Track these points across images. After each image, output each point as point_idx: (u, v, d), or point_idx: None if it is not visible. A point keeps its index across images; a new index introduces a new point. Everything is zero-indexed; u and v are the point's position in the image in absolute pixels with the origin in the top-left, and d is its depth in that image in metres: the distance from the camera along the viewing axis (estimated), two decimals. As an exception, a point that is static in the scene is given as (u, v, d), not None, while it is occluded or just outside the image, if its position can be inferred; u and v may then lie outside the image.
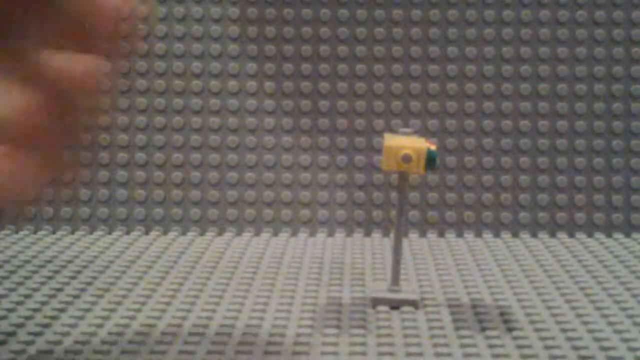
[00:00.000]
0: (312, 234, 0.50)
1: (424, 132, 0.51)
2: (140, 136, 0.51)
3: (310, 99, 0.52)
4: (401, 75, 0.51)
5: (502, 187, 0.51)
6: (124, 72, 0.51)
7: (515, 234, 0.50)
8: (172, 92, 0.51)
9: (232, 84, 0.52)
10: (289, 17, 0.52)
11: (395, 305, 0.36)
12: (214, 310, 0.36)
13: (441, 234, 0.50)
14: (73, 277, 0.40)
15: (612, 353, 0.31)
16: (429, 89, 0.51)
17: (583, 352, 0.31)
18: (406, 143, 0.34)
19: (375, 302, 0.36)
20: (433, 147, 0.34)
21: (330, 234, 0.50)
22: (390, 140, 0.35)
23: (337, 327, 0.34)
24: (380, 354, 0.31)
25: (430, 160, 0.34)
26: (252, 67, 0.52)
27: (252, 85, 0.52)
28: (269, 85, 0.52)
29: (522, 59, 0.51)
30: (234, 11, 0.52)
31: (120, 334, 0.33)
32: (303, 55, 0.52)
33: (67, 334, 0.33)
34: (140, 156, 0.51)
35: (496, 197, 0.51)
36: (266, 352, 0.31)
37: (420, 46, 0.52)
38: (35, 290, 0.38)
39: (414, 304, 0.36)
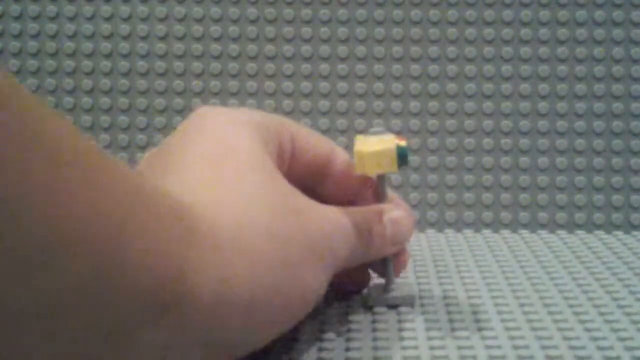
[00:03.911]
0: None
1: (423, 132, 0.51)
2: (141, 136, 0.51)
3: (310, 99, 0.52)
4: (401, 76, 0.51)
5: (501, 187, 0.51)
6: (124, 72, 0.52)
7: (514, 233, 0.50)
8: (172, 92, 0.52)
9: (232, 84, 0.52)
10: (289, 17, 0.52)
11: (391, 305, 0.36)
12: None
13: (440, 232, 0.50)
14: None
15: (609, 353, 0.31)
16: (429, 89, 0.51)
17: (580, 353, 0.31)
18: (375, 144, 0.33)
19: (371, 302, 0.36)
20: (402, 143, 0.33)
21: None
22: (359, 145, 0.34)
23: (335, 329, 0.34)
24: (377, 357, 0.31)
25: (402, 157, 0.33)
26: (252, 67, 0.52)
27: (252, 85, 0.52)
28: (269, 85, 0.52)
29: (522, 59, 0.51)
30: (234, 11, 0.52)
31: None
32: (303, 55, 0.52)
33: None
34: (141, 156, 0.51)
35: (496, 197, 0.51)
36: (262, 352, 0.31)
37: (420, 46, 0.52)
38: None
39: (410, 302, 0.36)
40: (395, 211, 0.35)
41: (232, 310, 0.25)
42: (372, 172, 0.33)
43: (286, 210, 0.28)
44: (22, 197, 0.19)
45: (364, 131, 0.51)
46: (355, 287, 0.38)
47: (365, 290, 0.38)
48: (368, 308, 0.36)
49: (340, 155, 0.35)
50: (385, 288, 0.37)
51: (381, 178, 0.35)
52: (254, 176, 0.29)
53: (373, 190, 0.36)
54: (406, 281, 0.39)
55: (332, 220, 0.31)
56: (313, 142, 0.35)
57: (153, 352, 0.24)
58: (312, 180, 0.35)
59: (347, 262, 0.33)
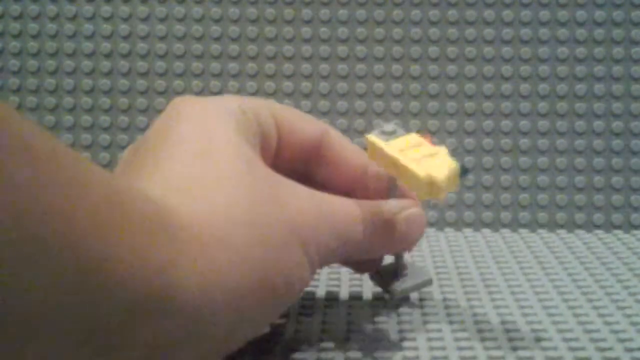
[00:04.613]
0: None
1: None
2: (140, 136, 0.51)
3: (310, 99, 0.52)
4: (401, 76, 0.51)
5: (501, 186, 0.51)
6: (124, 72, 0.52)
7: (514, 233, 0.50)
8: (172, 92, 0.52)
9: (232, 84, 0.52)
10: (289, 17, 0.52)
11: (412, 292, 0.36)
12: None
13: (440, 231, 0.50)
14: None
15: (609, 354, 0.31)
16: (429, 89, 0.51)
17: (580, 354, 0.31)
18: (434, 164, 0.30)
19: (393, 294, 0.35)
20: (446, 156, 0.30)
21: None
22: (416, 166, 0.30)
23: (335, 329, 0.34)
24: (377, 357, 0.31)
25: (464, 174, 0.30)
26: (252, 67, 0.52)
27: (252, 85, 0.52)
28: (269, 85, 0.52)
29: (522, 59, 0.51)
30: (234, 11, 0.52)
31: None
32: (303, 55, 0.52)
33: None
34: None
35: (496, 197, 0.51)
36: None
37: (420, 46, 0.52)
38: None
39: (429, 284, 0.35)
40: (412, 209, 0.33)
41: (219, 305, 0.25)
42: (443, 196, 0.30)
43: (267, 199, 0.28)
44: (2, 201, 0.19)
45: (367, 130, 0.51)
46: (366, 269, 0.37)
47: (372, 277, 0.37)
48: (389, 300, 0.36)
49: (333, 137, 0.34)
50: (400, 277, 0.35)
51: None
52: (232, 166, 0.28)
53: (387, 183, 0.34)
54: (418, 265, 0.37)
55: (318, 208, 0.30)
56: (300, 125, 0.33)
57: (141, 351, 0.23)
58: (304, 166, 0.34)
59: (346, 254, 0.32)
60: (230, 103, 0.31)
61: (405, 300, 0.37)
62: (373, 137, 0.32)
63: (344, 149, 0.34)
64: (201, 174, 0.28)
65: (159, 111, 0.51)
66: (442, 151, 0.31)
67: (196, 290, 0.24)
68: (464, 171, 0.30)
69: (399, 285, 0.35)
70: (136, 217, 0.23)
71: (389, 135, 0.32)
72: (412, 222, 0.33)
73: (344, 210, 0.31)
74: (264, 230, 0.27)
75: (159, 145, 0.29)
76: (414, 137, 0.32)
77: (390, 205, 0.33)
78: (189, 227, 0.25)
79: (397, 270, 0.35)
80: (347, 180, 0.34)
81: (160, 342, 0.24)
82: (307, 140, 0.34)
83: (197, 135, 0.29)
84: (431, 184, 0.29)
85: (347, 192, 0.34)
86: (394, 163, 0.31)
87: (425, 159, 0.30)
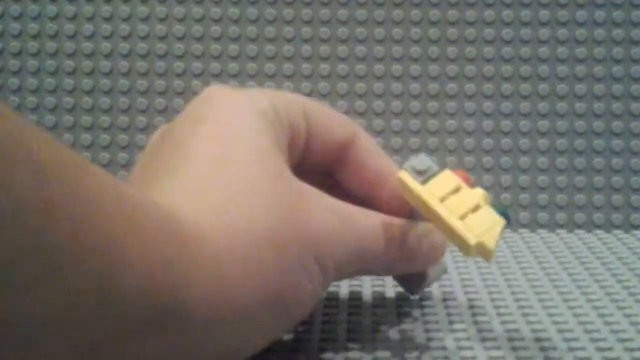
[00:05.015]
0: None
1: (423, 132, 0.51)
2: (141, 137, 0.51)
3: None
4: (401, 76, 0.51)
5: (501, 187, 0.51)
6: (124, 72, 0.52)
7: (514, 233, 0.50)
8: (172, 92, 0.52)
9: (232, 84, 0.52)
10: (289, 17, 0.52)
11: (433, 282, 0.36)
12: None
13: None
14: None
15: (609, 354, 0.31)
16: (429, 89, 0.51)
17: (579, 354, 0.31)
18: (474, 220, 0.29)
19: (418, 293, 0.36)
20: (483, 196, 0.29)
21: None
22: (463, 228, 0.28)
23: (335, 329, 0.34)
24: (377, 357, 0.31)
25: (506, 218, 0.29)
26: (252, 67, 0.52)
27: (252, 85, 0.52)
28: (269, 85, 0.52)
29: (522, 59, 0.51)
30: (234, 11, 0.52)
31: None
32: (303, 55, 0.52)
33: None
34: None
35: (496, 197, 0.51)
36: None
37: (420, 46, 0.52)
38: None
39: (445, 271, 0.36)
40: (436, 234, 0.32)
41: (228, 321, 0.25)
42: (492, 257, 0.29)
43: (287, 213, 0.27)
44: (6, 211, 0.19)
45: (367, 130, 0.51)
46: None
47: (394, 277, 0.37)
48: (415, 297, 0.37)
49: (362, 141, 0.33)
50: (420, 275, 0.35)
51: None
52: (255, 175, 0.28)
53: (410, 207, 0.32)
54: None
55: (339, 221, 0.29)
56: (330, 125, 0.32)
57: None
58: (329, 166, 0.33)
59: (363, 269, 0.32)
60: (262, 100, 0.30)
61: (407, 300, 0.37)
62: (406, 177, 0.30)
63: (371, 155, 0.33)
64: (221, 183, 0.27)
65: (159, 111, 0.52)
66: (482, 197, 0.30)
67: (207, 309, 0.24)
68: (508, 221, 0.29)
69: (422, 285, 0.35)
70: (148, 235, 0.23)
71: (423, 174, 0.30)
72: (435, 248, 0.33)
73: (366, 227, 0.30)
74: (281, 250, 0.27)
75: (181, 144, 0.28)
76: (449, 177, 0.30)
77: (418, 229, 0.32)
78: (203, 242, 0.25)
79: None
80: (368, 185, 0.34)
81: (167, 355, 0.24)
82: (335, 142, 0.33)
83: (222, 138, 0.28)
84: (481, 249, 0.28)
85: (367, 196, 0.33)
86: (436, 216, 0.29)
87: (469, 214, 0.29)
